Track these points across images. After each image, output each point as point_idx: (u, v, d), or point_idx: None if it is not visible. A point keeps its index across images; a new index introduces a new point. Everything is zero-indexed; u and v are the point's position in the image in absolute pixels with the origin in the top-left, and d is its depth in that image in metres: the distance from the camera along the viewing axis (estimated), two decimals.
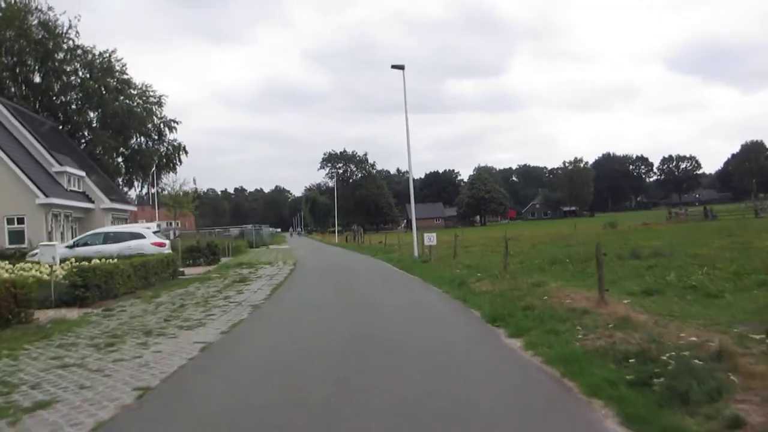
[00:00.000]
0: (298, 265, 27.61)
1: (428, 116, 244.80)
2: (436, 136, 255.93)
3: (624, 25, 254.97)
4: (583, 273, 14.81)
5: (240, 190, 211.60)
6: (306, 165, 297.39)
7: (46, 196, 32.14)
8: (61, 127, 47.90)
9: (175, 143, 55.77)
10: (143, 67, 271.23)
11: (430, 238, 22.74)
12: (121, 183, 53.43)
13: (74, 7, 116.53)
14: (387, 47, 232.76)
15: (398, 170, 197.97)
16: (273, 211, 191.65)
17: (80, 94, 48.52)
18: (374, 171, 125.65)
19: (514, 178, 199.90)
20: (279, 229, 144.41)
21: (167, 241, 24.49)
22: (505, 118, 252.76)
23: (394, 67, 23.77)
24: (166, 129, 53.28)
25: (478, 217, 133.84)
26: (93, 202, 39.51)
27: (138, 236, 23.50)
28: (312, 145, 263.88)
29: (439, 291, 14.68)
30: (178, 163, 56.40)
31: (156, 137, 54.04)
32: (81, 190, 39.15)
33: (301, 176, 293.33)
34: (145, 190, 55.75)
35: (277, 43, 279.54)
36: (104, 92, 48.55)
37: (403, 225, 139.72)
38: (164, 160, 55.82)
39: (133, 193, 55.64)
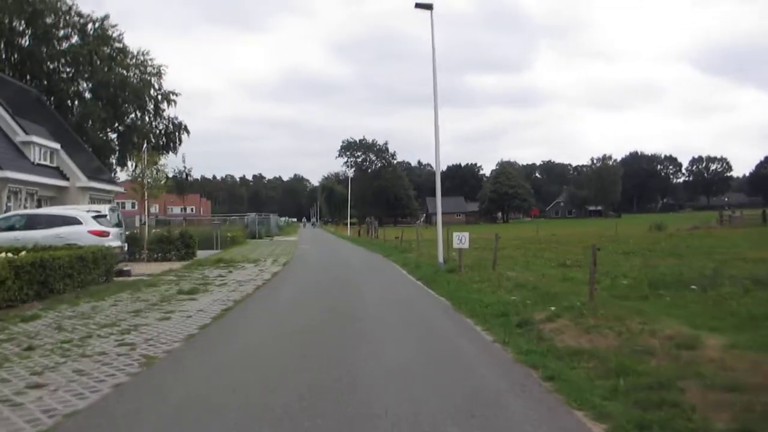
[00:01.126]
0: (287, 267, 21.45)
1: (449, 110, 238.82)
2: (456, 131, 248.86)
3: (651, 22, 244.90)
4: (732, 313, 8.35)
5: (258, 178, 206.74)
6: (326, 155, 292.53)
7: (1, 168, 26.38)
8: (51, 98, 42.28)
9: (176, 121, 49.81)
10: (166, 54, 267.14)
11: (461, 239, 16.34)
12: (114, 161, 47.65)
13: None
14: (408, 40, 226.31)
15: (419, 162, 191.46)
16: (291, 199, 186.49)
17: (69, 60, 42.67)
18: (394, 161, 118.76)
19: (537, 175, 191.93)
20: (295, 219, 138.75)
21: (113, 230, 18.41)
22: (527, 115, 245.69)
23: (418, 6, 17.24)
24: (165, 102, 47.24)
25: (499, 214, 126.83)
26: (68, 179, 33.60)
27: (72, 221, 17.43)
28: (333, 135, 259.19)
29: (487, 338, 8.11)
30: (179, 143, 50.49)
31: (153, 111, 47.97)
32: (54, 165, 33.26)
33: (320, 166, 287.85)
34: (139, 170, 49.84)
35: (298, 33, 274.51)
36: (96, 60, 42.69)
37: (422, 219, 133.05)
38: (163, 139, 49.88)
39: (124, 174, 49.56)
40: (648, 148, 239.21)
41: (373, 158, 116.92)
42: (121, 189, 40.49)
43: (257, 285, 15.27)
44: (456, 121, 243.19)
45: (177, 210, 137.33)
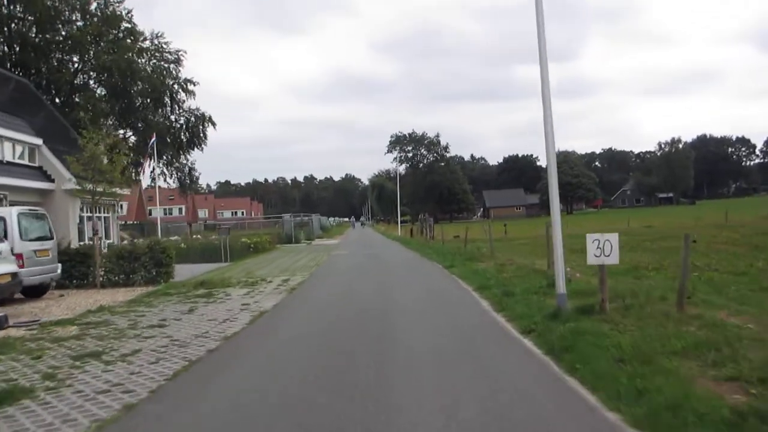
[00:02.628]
0: (292, 296, 13.27)
1: (497, 104, 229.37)
2: (506, 124, 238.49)
3: (706, 3, 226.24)
4: None
5: (309, 179, 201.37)
6: (376, 153, 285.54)
7: None
8: (52, 92, 35.84)
9: (198, 113, 42.54)
10: (212, 59, 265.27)
11: (605, 246, 7.91)
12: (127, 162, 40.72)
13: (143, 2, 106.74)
14: (453, 34, 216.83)
15: (472, 156, 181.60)
16: (342, 199, 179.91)
17: (70, 46, 36.01)
18: (447, 154, 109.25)
19: (596, 164, 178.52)
20: (346, 218, 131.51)
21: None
22: (579, 104, 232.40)
23: None
24: (181, 92, 39.99)
25: (561, 206, 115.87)
26: (53, 180, 26.57)
27: None
28: (382, 134, 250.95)
29: None
30: (204, 138, 43.18)
31: (169, 102, 40.75)
32: (35, 165, 26.32)
33: (371, 165, 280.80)
34: (159, 170, 42.93)
35: (343, 33, 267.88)
36: (99, 42, 35.89)
37: (479, 214, 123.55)
38: (186, 134, 42.81)
39: (144, 176, 42.57)
40: (714, 132, 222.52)
41: (425, 152, 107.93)
42: (127, 192, 33.33)
43: (192, 359, 7.11)
44: (504, 115, 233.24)
45: (228, 214, 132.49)
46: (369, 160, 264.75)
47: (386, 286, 14.13)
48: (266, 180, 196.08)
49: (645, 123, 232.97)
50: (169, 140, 41.02)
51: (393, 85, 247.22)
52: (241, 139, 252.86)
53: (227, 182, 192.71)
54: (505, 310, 9.56)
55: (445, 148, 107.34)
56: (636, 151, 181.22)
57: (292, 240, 40.79)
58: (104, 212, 28.36)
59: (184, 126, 42.28)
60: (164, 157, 41.11)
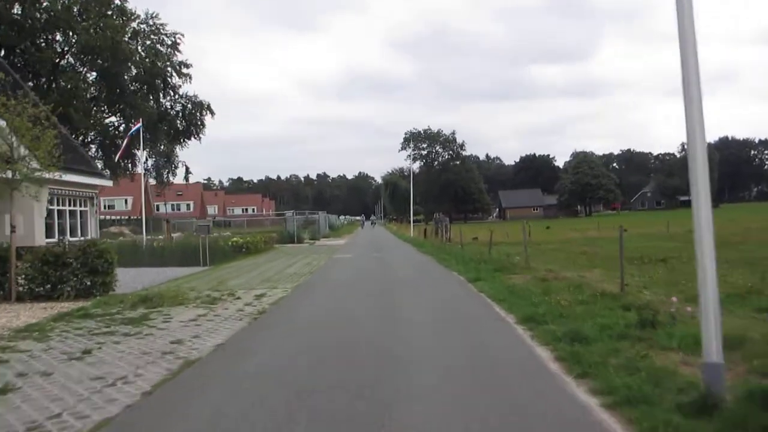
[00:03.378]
0: (268, 319, 9.27)
1: (512, 103, 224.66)
2: (521, 124, 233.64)
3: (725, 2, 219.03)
4: None
5: (322, 176, 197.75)
6: (391, 152, 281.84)
7: None
8: (31, 75, 32.15)
9: (196, 99, 38.67)
10: (227, 57, 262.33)
11: None
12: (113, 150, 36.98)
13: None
14: (468, 34, 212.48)
15: (487, 156, 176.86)
16: (356, 197, 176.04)
17: (49, 22, 32.24)
18: (463, 152, 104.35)
19: (614, 165, 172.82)
20: (358, 217, 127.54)
21: None
22: (594, 105, 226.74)
23: None
24: (174, 75, 36.08)
25: (580, 207, 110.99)
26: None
27: None
28: (396, 134, 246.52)
29: None
30: (202, 126, 39.26)
31: (162, 87, 36.87)
32: None
33: (385, 164, 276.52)
34: (152, 161, 39.19)
35: (359, 32, 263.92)
36: (81, 17, 32.14)
37: (494, 214, 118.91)
38: (183, 123, 38.99)
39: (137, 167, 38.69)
40: (736, 134, 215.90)
41: (440, 150, 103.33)
42: (107, 182, 29.52)
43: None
44: (519, 115, 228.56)
45: (238, 210, 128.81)
46: (383, 160, 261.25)
47: (391, 314, 9.99)
48: (279, 177, 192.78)
49: (663, 125, 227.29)
50: (164, 128, 37.29)
51: (409, 84, 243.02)
52: (255, 136, 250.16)
53: (239, 179, 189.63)
54: (591, 377, 5.41)
55: (461, 146, 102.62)
56: (655, 152, 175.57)
57: (295, 239, 36.80)
58: (80, 205, 24.60)
59: (180, 114, 38.52)
60: (149, 146, 37.24)
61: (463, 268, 16.59)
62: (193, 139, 39.59)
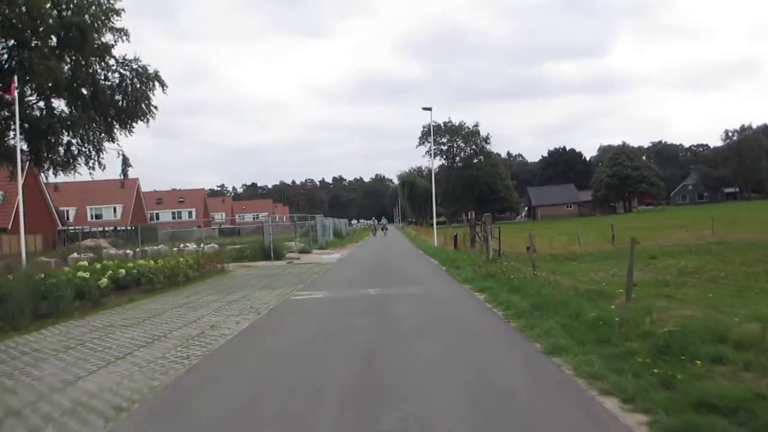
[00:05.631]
0: None
1: (527, 102, 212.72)
2: (536, 122, 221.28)
3: None
4: None
5: (338, 180, 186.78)
6: (406, 154, 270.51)
7: None
8: None
9: (140, 68, 27.52)
10: (237, 64, 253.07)
11: None
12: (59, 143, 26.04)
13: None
14: (479, 34, 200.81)
15: (509, 153, 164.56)
16: (373, 200, 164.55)
17: None
18: (488, 146, 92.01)
19: (643, 158, 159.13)
20: (370, 221, 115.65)
21: None
22: (611, 101, 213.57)
23: None
24: (102, 27, 24.97)
25: (619, 202, 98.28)
26: None
27: None
28: (411, 136, 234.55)
29: None
30: (152, 106, 28.01)
31: (98, 58, 25.87)
32: None
33: (402, 165, 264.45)
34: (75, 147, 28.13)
35: (368, 35, 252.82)
36: None
37: (523, 214, 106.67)
38: (128, 98, 27.78)
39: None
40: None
41: (462, 144, 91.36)
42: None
43: None
44: (534, 113, 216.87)
45: (249, 217, 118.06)
46: (400, 161, 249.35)
47: None
48: (294, 182, 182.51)
49: (671, 120, 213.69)
50: (93, 103, 26.20)
51: (421, 86, 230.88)
52: (268, 142, 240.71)
53: (254, 185, 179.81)
54: None
55: (485, 140, 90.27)
56: (686, 144, 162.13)
57: (271, 255, 25.46)
58: None
59: (116, 85, 27.36)
60: (81, 132, 26.40)
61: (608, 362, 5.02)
62: (139, 122, 28.47)
